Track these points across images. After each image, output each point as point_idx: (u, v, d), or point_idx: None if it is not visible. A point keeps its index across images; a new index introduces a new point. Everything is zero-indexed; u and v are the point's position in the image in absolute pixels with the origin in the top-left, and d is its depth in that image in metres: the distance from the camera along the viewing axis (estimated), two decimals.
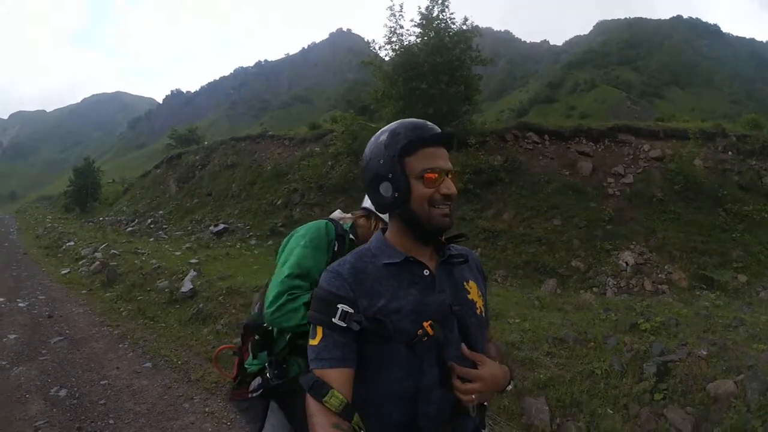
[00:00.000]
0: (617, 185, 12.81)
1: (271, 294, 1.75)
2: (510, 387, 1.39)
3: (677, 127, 15.22)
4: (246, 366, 1.97)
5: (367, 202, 2.12)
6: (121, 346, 6.12)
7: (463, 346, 1.27)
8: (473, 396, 1.23)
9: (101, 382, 4.93)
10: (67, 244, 15.25)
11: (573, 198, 12.52)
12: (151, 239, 16.75)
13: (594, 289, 9.69)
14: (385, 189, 1.27)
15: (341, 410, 1.11)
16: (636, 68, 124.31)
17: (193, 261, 10.63)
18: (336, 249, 1.88)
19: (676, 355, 4.10)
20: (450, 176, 1.27)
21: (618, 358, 4.34)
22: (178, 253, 12.32)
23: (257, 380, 1.90)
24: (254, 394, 1.89)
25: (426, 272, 1.30)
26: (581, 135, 14.74)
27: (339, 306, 1.19)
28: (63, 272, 11.24)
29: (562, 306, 7.47)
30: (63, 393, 4.66)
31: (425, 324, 1.20)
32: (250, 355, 1.97)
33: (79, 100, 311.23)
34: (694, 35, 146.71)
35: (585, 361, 4.48)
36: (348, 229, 2.02)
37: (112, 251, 12.13)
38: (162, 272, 9.44)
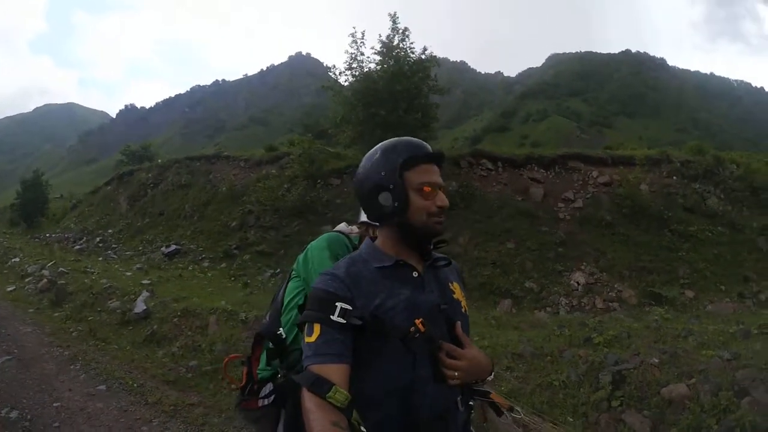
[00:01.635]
0: (568, 210, 13.25)
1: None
2: (491, 378, 1.48)
3: (624, 154, 15.99)
4: (258, 372, 1.96)
5: (363, 216, 2.22)
6: (72, 367, 5.86)
7: (457, 324, 1.37)
8: (456, 373, 1.30)
9: (54, 404, 4.71)
10: (13, 260, 14.44)
11: (526, 222, 12.83)
12: (100, 258, 16.03)
13: (547, 308, 9.92)
14: (385, 199, 1.37)
15: (346, 406, 1.14)
16: (586, 99, 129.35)
17: (145, 282, 10.32)
18: None
19: (629, 363, 4.30)
20: (441, 190, 1.40)
21: (574, 369, 4.51)
22: (128, 274, 11.91)
23: (268, 386, 1.90)
24: (267, 401, 1.87)
25: (415, 274, 1.39)
26: (533, 162, 15.22)
27: (337, 304, 1.25)
28: (8, 289, 10.64)
29: (518, 325, 7.68)
30: (14, 415, 4.43)
31: (417, 321, 1.27)
32: (262, 362, 1.97)
33: (31, 109, 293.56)
34: (642, 68, 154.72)
35: (543, 374, 4.63)
36: (357, 242, 2.15)
37: (60, 269, 11.59)
38: (113, 292, 9.11)
